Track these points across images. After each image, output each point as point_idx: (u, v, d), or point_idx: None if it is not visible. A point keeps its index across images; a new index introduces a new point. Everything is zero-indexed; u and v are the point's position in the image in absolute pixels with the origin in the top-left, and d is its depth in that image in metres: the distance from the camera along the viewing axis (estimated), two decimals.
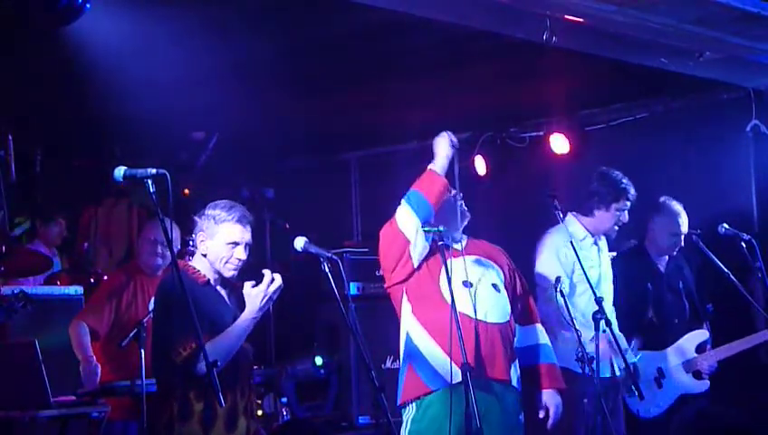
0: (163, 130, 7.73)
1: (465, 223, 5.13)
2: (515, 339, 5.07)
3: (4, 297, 6.06)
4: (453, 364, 4.66)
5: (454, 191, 5.03)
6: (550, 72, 6.91)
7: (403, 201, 4.95)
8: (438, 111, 8.10)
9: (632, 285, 6.19)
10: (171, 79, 6.51)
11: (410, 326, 4.95)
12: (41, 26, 5.01)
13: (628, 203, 5.90)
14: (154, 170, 4.03)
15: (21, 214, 8.53)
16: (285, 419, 7.33)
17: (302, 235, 4.72)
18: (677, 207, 6.30)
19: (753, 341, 6.29)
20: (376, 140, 9.42)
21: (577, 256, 5.46)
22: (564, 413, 5.16)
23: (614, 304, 5.95)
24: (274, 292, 4.38)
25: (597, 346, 5.15)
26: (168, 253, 4.81)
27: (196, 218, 4.52)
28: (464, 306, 4.82)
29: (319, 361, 7.45)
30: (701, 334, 6.36)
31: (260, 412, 7.04)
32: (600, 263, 5.90)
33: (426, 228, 4.84)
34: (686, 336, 6.33)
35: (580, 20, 5.71)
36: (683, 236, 6.31)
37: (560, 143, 7.98)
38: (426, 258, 4.96)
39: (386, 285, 5.10)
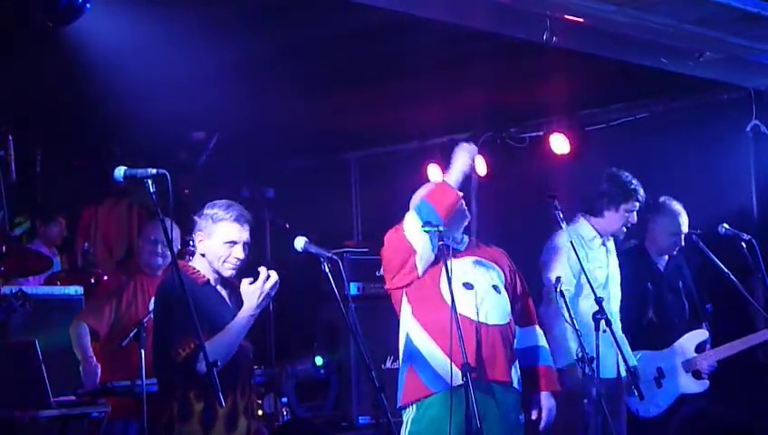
0: (163, 130, 7.72)
1: (466, 223, 5.13)
2: (514, 340, 5.07)
3: (4, 297, 6.06)
4: (453, 366, 4.65)
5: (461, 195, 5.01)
6: (550, 72, 6.92)
7: (413, 210, 4.90)
8: (438, 111, 8.12)
9: (632, 284, 6.19)
10: (171, 79, 6.51)
11: (411, 327, 4.94)
12: (41, 26, 5.00)
13: (638, 204, 5.91)
14: (154, 170, 4.03)
15: (21, 214, 8.52)
16: (285, 419, 7.33)
17: (302, 235, 4.72)
18: (677, 206, 6.30)
19: (753, 341, 6.30)
20: (376, 140, 9.42)
21: (577, 257, 5.46)
22: (560, 415, 5.16)
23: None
24: (271, 288, 4.37)
25: (597, 346, 5.15)
26: (168, 253, 4.81)
27: (195, 218, 4.52)
28: (465, 308, 4.81)
29: (319, 361, 7.45)
30: (700, 334, 6.37)
31: (260, 412, 7.04)
32: (608, 264, 5.91)
33: (426, 228, 4.79)
34: (685, 336, 6.34)
35: (580, 20, 5.71)
36: (683, 236, 6.31)
37: (560, 143, 7.98)
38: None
39: (386, 287, 5.10)
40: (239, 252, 4.45)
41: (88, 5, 4.84)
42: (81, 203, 9.05)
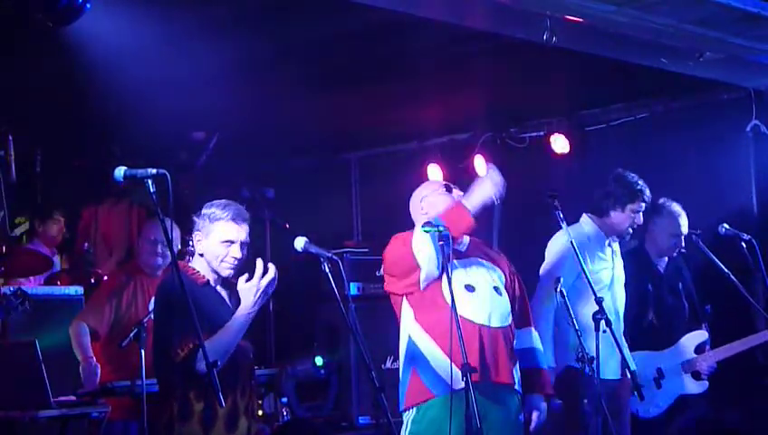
0: (163, 130, 7.72)
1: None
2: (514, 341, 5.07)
3: (3, 296, 6.06)
4: (455, 369, 4.60)
5: (459, 193, 4.98)
6: (550, 72, 6.92)
7: (424, 227, 4.77)
8: (438, 111, 8.12)
9: (633, 286, 6.18)
10: (171, 79, 6.51)
11: (412, 330, 4.90)
12: (41, 26, 5.00)
13: (644, 205, 5.90)
14: (154, 170, 4.02)
15: (21, 214, 8.52)
16: (285, 419, 7.34)
17: (302, 235, 4.71)
18: (677, 208, 6.30)
19: (753, 341, 6.30)
20: (376, 140, 9.41)
21: (578, 257, 5.45)
22: (560, 415, 5.16)
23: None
24: (268, 285, 4.35)
25: (597, 346, 5.14)
26: (168, 253, 4.81)
27: (194, 218, 4.51)
28: (468, 311, 4.78)
29: (319, 361, 7.45)
30: (700, 335, 6.37)
31: (260, 412, 7.04)
32: (613, 265, 5.90)
33: (426, 228, 4.74)
34: (685, 337, 6.34)
35: (580, 20, 5.71)
36: (683, 238, 6.31)
37: (560, 143, 7.98)
38: None
39: (385, 288, 5.08)
40: (236, 251, 4.43)
41: (88, 5, 4.85)
42: (81, 203, 9.04)
